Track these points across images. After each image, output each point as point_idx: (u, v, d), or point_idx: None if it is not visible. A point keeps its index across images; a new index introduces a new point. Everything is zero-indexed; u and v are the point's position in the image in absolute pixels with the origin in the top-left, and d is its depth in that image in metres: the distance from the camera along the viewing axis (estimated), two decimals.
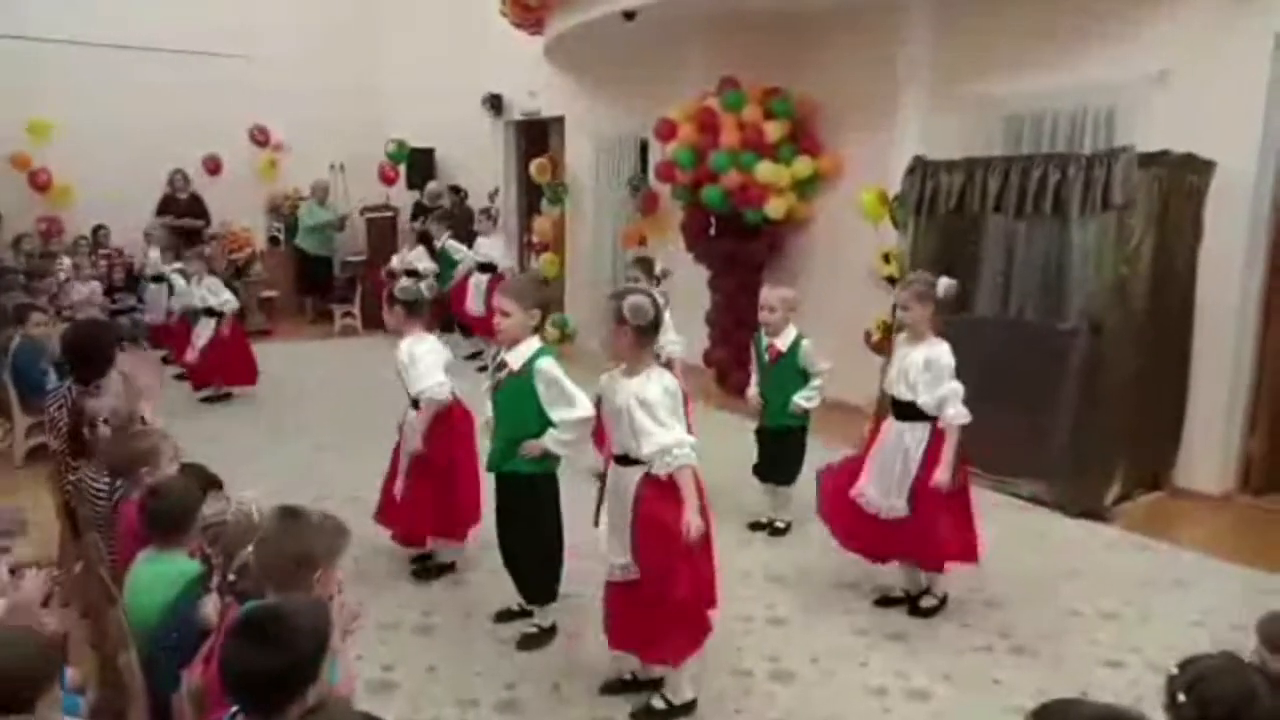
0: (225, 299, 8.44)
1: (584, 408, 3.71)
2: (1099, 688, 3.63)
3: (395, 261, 11.11)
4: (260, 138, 12.73)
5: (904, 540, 4.23)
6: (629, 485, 3.34)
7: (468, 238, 10.16)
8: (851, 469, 4.38)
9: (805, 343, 5.10)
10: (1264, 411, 6.04)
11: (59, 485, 4.32)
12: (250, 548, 2.55)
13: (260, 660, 1.96)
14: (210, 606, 2.72)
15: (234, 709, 2.08)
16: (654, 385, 3.26)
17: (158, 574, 3.01)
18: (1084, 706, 1.84)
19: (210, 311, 8.37)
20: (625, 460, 3.37)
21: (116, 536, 3.49)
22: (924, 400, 4.11)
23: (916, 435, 4.16)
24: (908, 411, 4.18)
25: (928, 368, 4.10)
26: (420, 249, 10.65)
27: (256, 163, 12.86)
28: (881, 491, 4.23)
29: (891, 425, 4.28)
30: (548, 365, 3.73)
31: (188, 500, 3.10)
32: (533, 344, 3.80)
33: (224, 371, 8.41)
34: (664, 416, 3.22)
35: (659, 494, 3.26)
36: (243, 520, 2.83)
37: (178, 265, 9.23)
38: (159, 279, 9.77)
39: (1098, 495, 5.70)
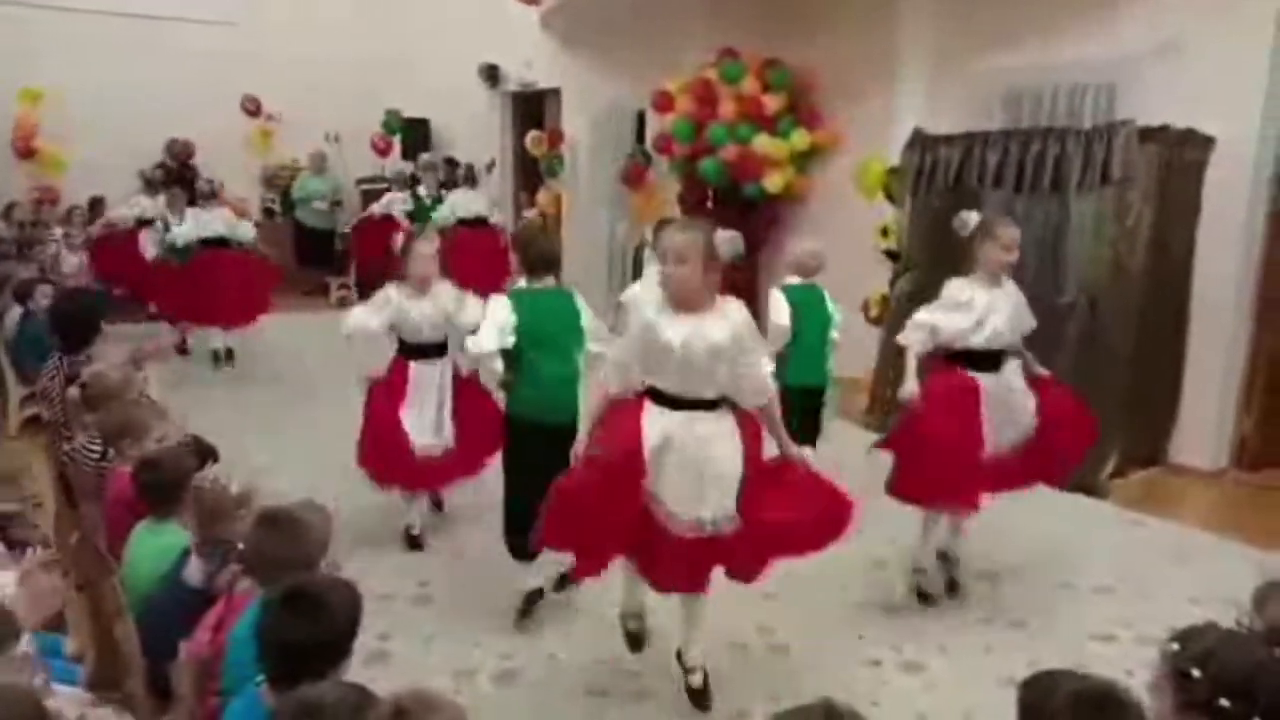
0: (243, 228, 8.33)
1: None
2: (1091, 662, 3.65)
3: (375, 208, 10.99)
4: (251, 107, 12.58)
5: (1033, 462, 4.12)
6: (716, 431, 3.11)
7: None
8: (953, 433, 3.97)
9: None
10: (1258, 387, 6.04)
11: (54, 456, 4.32)
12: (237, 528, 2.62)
13: (302, 633, 2.06)
14: (194, 568, 2.74)
15: (258, 678, 2.10)
16: (743, 312, 3.10)
17: (155, 544, 3.02)
18: (1071, 678, 1.86)
19: (223, 242, 8.15)
20: (699, 405, 3.09)
21: (105, 504, 3.49)
22: (1010, 340, 4.05)
23: (1014, 371, 4.08)
24: (996, 360, 4.05)
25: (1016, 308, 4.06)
26: (403, 194, 10.52)
27: (249, 133, 12.74)
28: (1012, 436, 4.08)
29: (981, 379, 4.01)
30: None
31: (180, 471, 3.10)
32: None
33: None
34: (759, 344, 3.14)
35: (757, 429, 3.18)
36: (218, 491, 2.85)
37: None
38: (147, 223, 9.35)
39: (1093, 470, 5.69)
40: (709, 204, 8.55)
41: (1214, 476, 6.02)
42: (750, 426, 3.19)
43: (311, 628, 2.07)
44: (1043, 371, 4.19)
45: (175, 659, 2.51)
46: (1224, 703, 1.86)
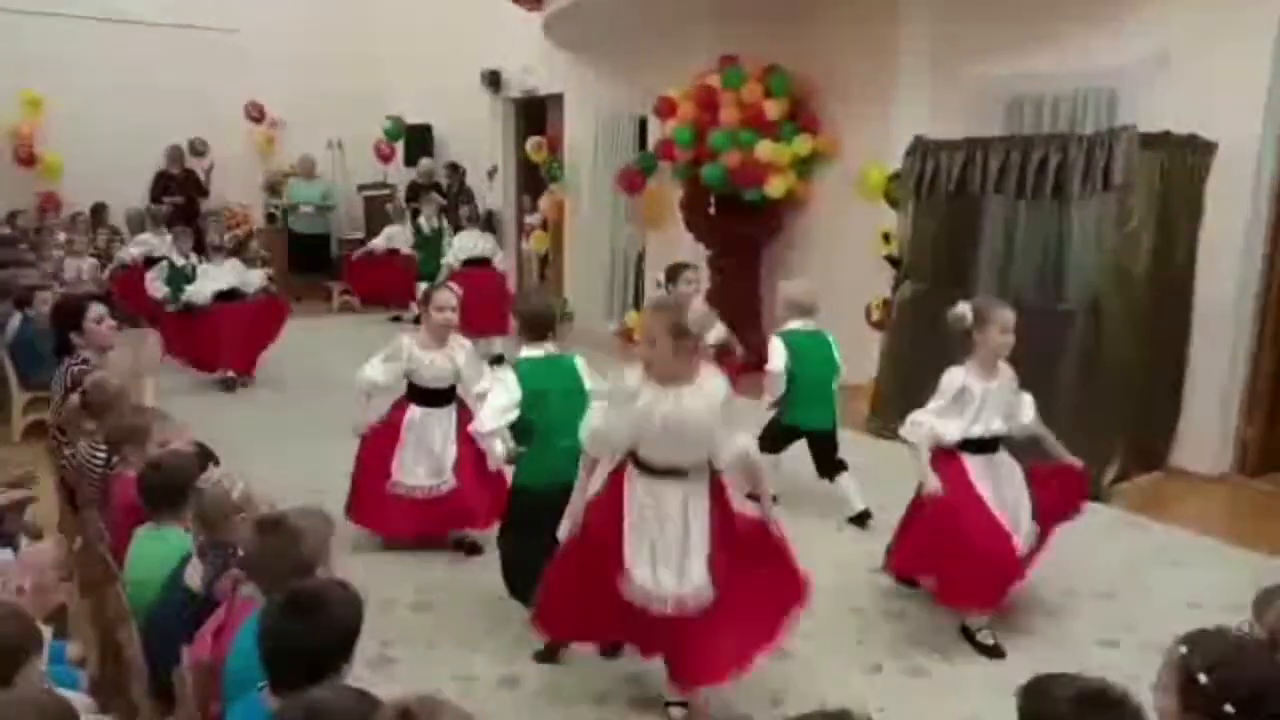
0: (253, 276, 8.39)
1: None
2: (1094, 667, 3.64)
3: (376, 243, 10.96)
4: (255, 113, 12.61)
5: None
6: (684, 500, 3.17)
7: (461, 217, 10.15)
8: (978, 527, 3.83)
9: None
10: (1261, 393, 6.04)
11: (56, 460, 4.32)
12: (237, 532, 2.64)
13: (303, 636, 2.05)
14: (194, 571, 2.74)
15: (261, 683, 2.10)
16: (722, 385, 3.16)
17: (157, 549, 3.02)
18: (1072, 682, 1.85)
19: (234, 293, 8.16)
20: (669, 473, 3.17)
21: (110, 510, 3.50)
22: (1003, 430, 3.95)
23: (1005, 456, 4.01)
24: (993, 445, 3.99)
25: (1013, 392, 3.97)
26: (404, 228, 10.56)
27: (253, 139, 12.76)
28: (1027, 530, 3.94)
29: (984, 462, 3.94)
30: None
31: (184, 475, 3.11)
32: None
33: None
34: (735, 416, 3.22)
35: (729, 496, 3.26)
36: (219, 494, 2.85)
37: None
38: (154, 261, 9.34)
39: (1096, 476, 5.69)
40: (711, 210, 8.56)
41: (1216, 481, 6.01)
42: (722, 494, 3.26)
43: (312, 631, 2.07)
44: (1069, 458, 4.07)
45: (178, 664, 2.52)
46: (1229, 709, 1.85)
